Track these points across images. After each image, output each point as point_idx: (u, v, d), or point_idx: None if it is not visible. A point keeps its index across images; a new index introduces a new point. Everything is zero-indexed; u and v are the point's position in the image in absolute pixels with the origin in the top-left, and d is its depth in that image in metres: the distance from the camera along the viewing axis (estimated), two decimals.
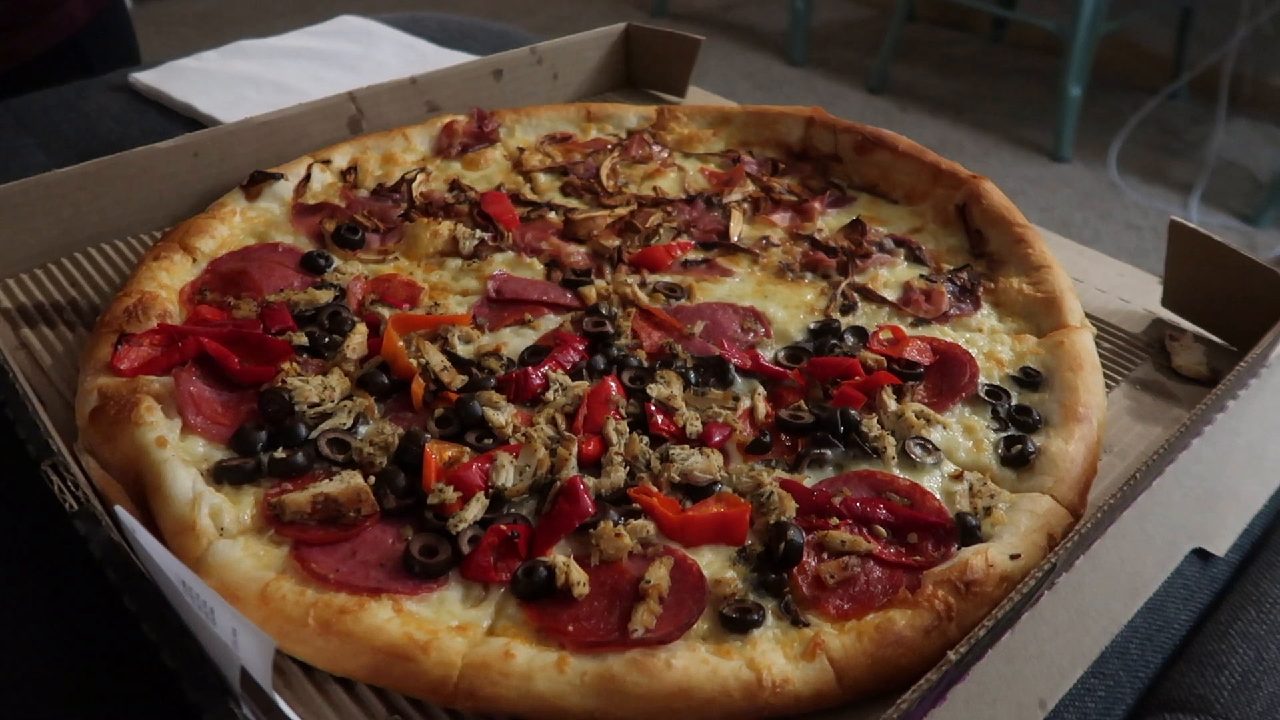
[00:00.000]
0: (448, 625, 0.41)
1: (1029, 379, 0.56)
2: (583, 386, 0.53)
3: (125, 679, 0.39)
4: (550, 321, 0.60)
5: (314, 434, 0.49)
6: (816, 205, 0.73)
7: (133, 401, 0.49)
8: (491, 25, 1.18)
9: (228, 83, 0.96)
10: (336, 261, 0.64)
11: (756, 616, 0.41)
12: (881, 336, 0.59)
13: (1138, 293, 0.68)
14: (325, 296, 0.60)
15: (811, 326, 0.60)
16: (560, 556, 0.43)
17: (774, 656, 0.39)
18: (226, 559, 0.42)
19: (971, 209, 0.70)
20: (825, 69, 3.13)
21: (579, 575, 0.42)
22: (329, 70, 1.00)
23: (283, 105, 0.90)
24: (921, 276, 0.66)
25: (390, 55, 1.04)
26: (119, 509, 0.37)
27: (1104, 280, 0.70)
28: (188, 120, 0.91)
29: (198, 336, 0.53)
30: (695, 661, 0.39)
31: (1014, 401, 0.55)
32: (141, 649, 0.38)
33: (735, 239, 0.69)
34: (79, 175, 0.65)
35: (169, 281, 0.59)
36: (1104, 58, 2.71)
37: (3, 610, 0.42)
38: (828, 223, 0.72)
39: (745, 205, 0.73)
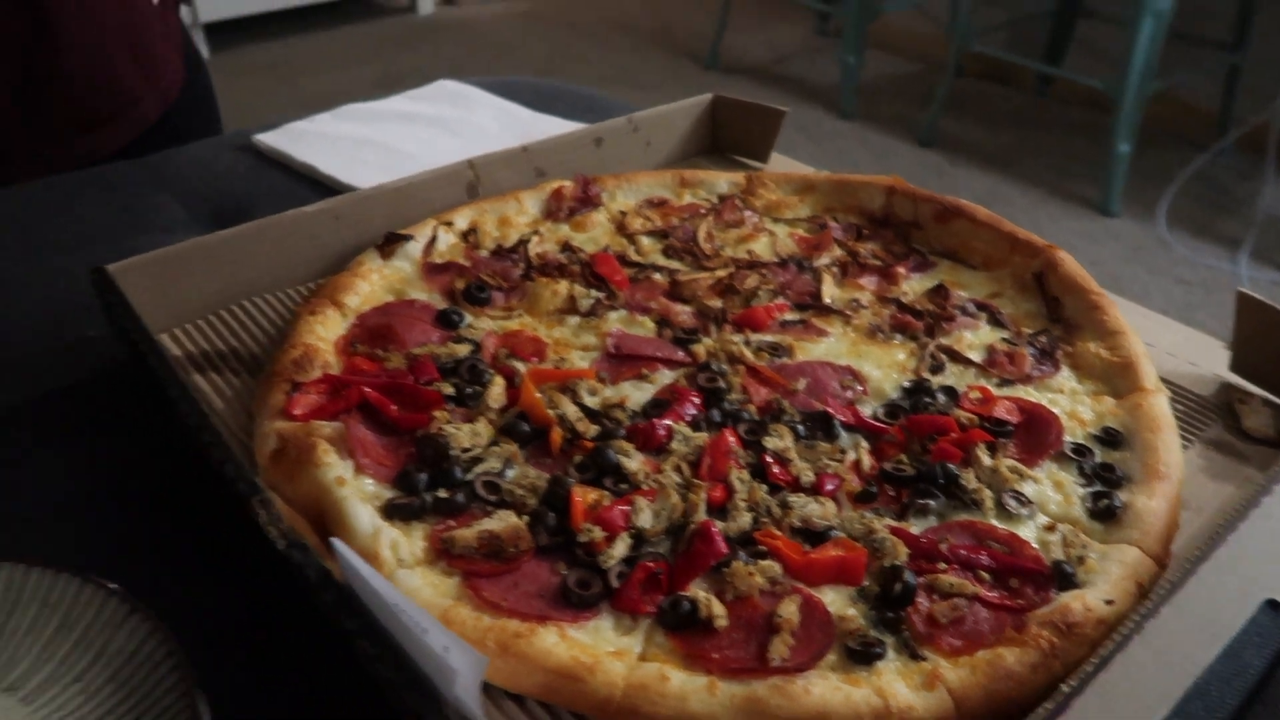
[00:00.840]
0: (606, 650, 0.46)
1: (1110, 438, 0.61)
2: (702, 438, 0.59)
3: (335, 690, 0.45)
4: (665, 376, 0.66)
5: (469, 476, 0.55)
6: (901, 270, 0.79)
7: (310, 444, 0.55)
8: (579, 90, 1.26)
9: (342, 145, 1.03)
10: (468, 317, 0.71)
11: (879, 650, 0.46)
12: (971, 396, 0.64)
13: (1204, 356, 0.73)
14: (463, 350, 0.66)
15: (905, 385, 0.65)
16: (699, 592, 0.49)
17: (898, 686, 0.44)
18: (409, 586, 0.48)
19: (1048, 276, 0.76)
20: (875, 122, 3.19)
21: (719, 609, 0.47)
22: (432, 133, 1.08)
23: (393, 166, 0.98)
24: (1003, 339, 0.71)
25: (488, 119, 1.11)
26: (335, 540, 0.43)
27: (1172, 344, 0.74)
28: (310, 180, 0.98)
29: (359, 386, 0.60)
30: (829, 688, 0.44)
31: (1098, 459, 0.60)
32: (345, 667, 0.44)
33: (828, 301, 0.75)
34: (238, 236, 0.73)
35: (325, 334, 0.66)
36: (1152, 114, 2.76)
37: (223, 625, 0.48)
38: (911, 286, 0.78)
39: (834, 269, 0.79)
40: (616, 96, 1.28)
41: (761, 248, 0.82)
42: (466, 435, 0.58)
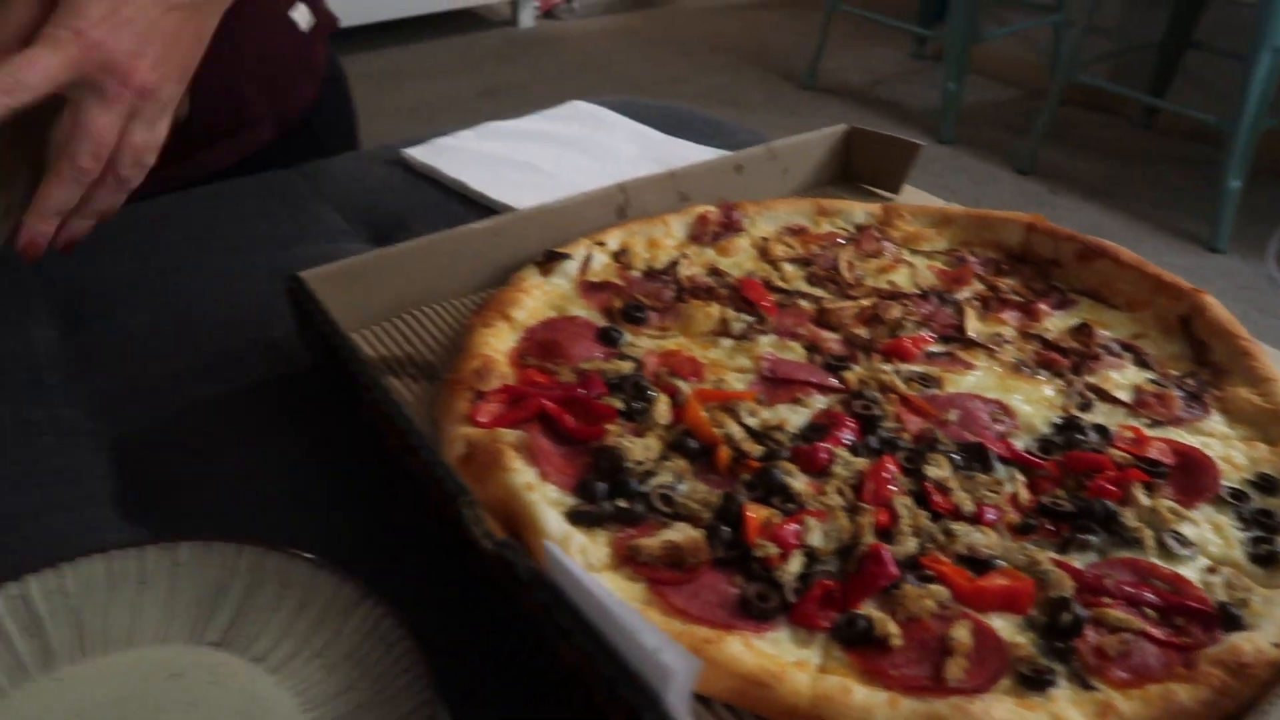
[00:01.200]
0: (788, 660, 0.49)
1: (1267, 484, 0.62)
2: (862, 463, 0.62)
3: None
4: (818, 401, 0.69)
5: (645, 488, 0.59)
6: (1043, 307, 0.80)
7: (498, 450, 0.59)
8: (704, 114, 1.29)
9: (487, 162, 1.08)
10: (627, 335, 0.74)
11: (1051, 677, 0.48)
12: (1124, 435, 0.66)
13: None
14: (626, 367, 0.69)
15: (1056, 421, 0.67)
16: (874, 610, 0.51)
17: (1073, 713, 0.46)
18: None
19: (1194, 321, 0.76)
20: (974, 148, 3.18)
21: (894, 628, 0.50)
22: (570, 153, 1.12)
23: (536, 185, 1.03)
24: (1150, 381, 0.72)
25: (623, 141, 1.15)
26: (546, 542, 0.47)
27: None
28: (459, 195, 1.03)
29: (537, 398, 0.64)
30: (1008, 711, 0.46)
31: (1255, 504, 0.60)
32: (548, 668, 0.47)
33: (972, 334, 0.77)
34: (414, 250, 0.77)
35: (498, 346, 0.70)
36: (1264, 149, 2.70)
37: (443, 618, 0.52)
38: (1053, 324, 0.79)
39: (975, 303, 0.81)
40: (716, 115, 1.31)
41: (902, 279, 0.84)
42: (640, 449, 0.61)
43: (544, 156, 1.10)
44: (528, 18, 4.33)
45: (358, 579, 0.48)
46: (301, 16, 1.13)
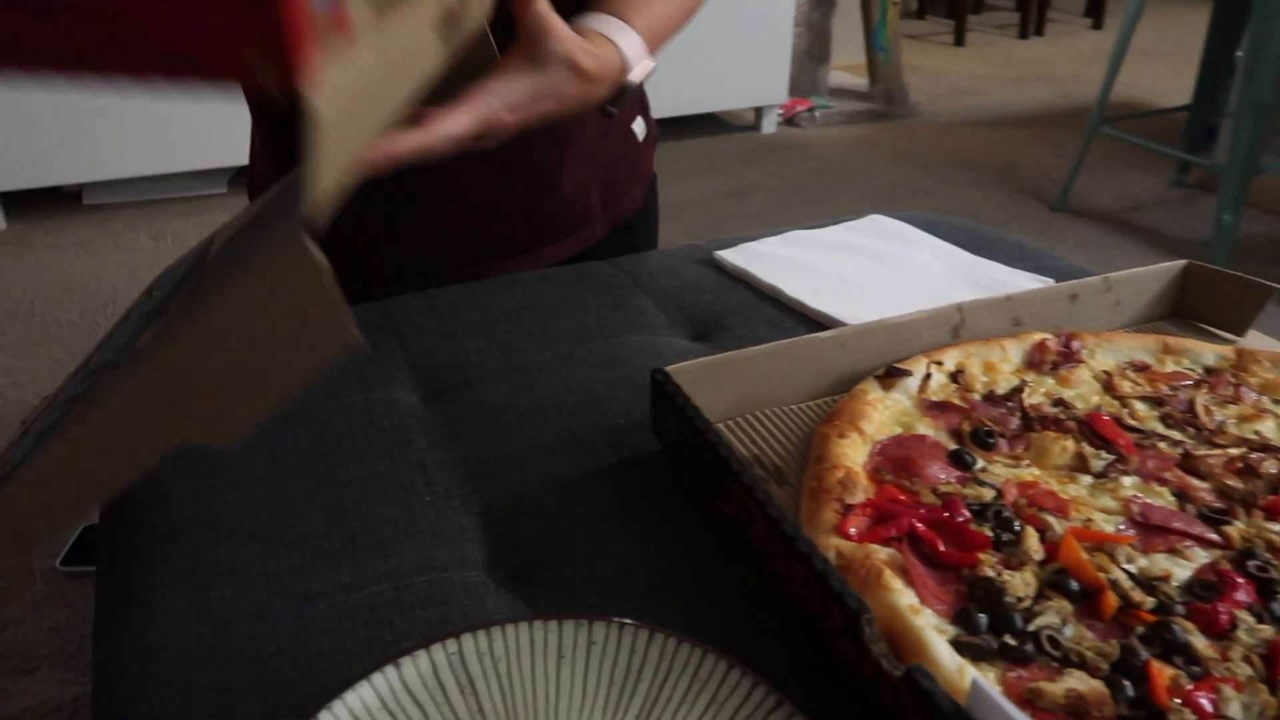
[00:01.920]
0: None
1: None
2: (1268, 631, 0.57)
3: None
4: (1198, 555, 0.64)
5: (1030, 627, 0.56)
6: None
7: (875, 568, 0.59)
8: (1006, 238, 1.27)
9: (798, 269, 1.10)
10: (980, 460, 0.73)
11: None
12: None
13: None
14: (987, 494, 0.68)
15: None
16: None
17: None
18: None
19: None
20: None
21: None
22: (878, 267, 1.13)
23: (852, 296, 1.04)
24: None
25: (930, 258, 1.15)
26: (974, 675, 0.45)
27: None
28: (772, 300, 1.06)
29: (906, 516, 0.63)
30: None
31: None
32: None
33: None
34: (761, 354, 0.79)
35: (855, 459, 0.70)
36: None
37: None
38: None
39: None
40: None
41: (1269, 430, 0.79)
42: (1019, 584, 0.59)
43: (855, 269, 1.12)
44: (770, 124, 4.45)
45: (769, 683, 0.48)
46: (639, 128, 1.21)
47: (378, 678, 0.47)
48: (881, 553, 0.61)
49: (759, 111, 4.43)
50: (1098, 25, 6.78)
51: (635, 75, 0.86)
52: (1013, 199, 3.65)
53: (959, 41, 6.32)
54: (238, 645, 0.60)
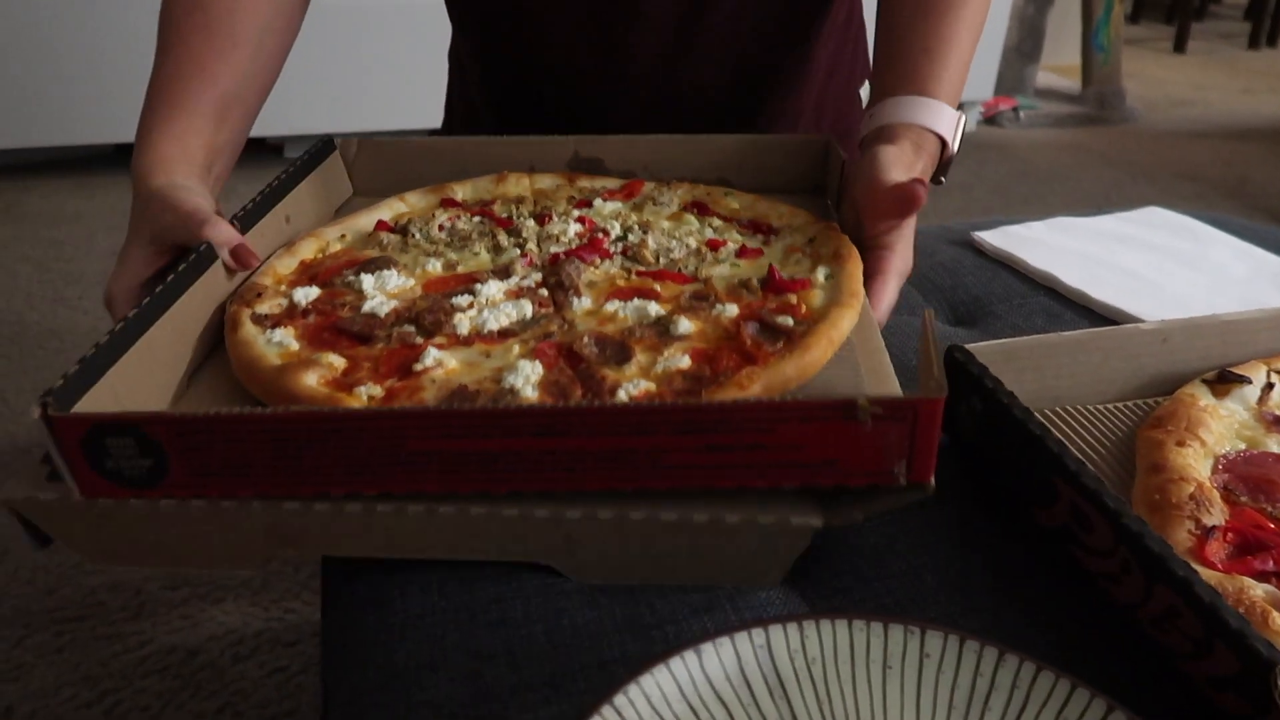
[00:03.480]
0: None
1: None
2: None
3: None
4: None
5: None
6: None
7: (1257, 606, 0.47)
8: None
9: (1070, 257, 0.98)
10: None
11: None
12: None
13: None
14: None
15: None
16: None
17: None
18: None
19: None
20: None
21: None
22: (1164, 261, 0.99)
23: (1140, 292, 0.91)
24: None
25: (1228, 257, 1.00)
26: None
27: None
28: (1045, 288, 0.94)
29: None
30: None
31: None
32: None
33: None
34: (1066, 341, 0.68)
35: (1200, 472, 0.58)
36: None
37: None
38: None
39: None
40: None
41: None
42: None
43: (1138, 262, 0.98)
44: (969, 121, 4.22)
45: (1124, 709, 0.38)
46: (866, 92, 1.11)
47: (677, 664, 0.40)
48: (1257, 588, 0.49)
49: (959, 107, 4.21)
50: None
51: (955, 145, 0.79)
52: (1247, 217, 3.32)
53: (1179, 48, 5.85)
54: (483, 606, 0.54)
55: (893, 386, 0.59)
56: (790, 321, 0.62)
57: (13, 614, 1.43)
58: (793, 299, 0.65)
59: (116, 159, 3.18)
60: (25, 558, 1.54)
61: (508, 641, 0.51)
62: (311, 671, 1.37)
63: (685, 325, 0.62)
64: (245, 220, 0.71)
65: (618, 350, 0.60)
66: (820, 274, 0.68)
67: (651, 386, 0.56)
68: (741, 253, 0.74)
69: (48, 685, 1.30)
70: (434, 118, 1.20)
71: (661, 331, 0.62)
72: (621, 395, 0.55)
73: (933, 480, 0.48)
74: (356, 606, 0.56)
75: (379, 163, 0.93)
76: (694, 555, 0.51)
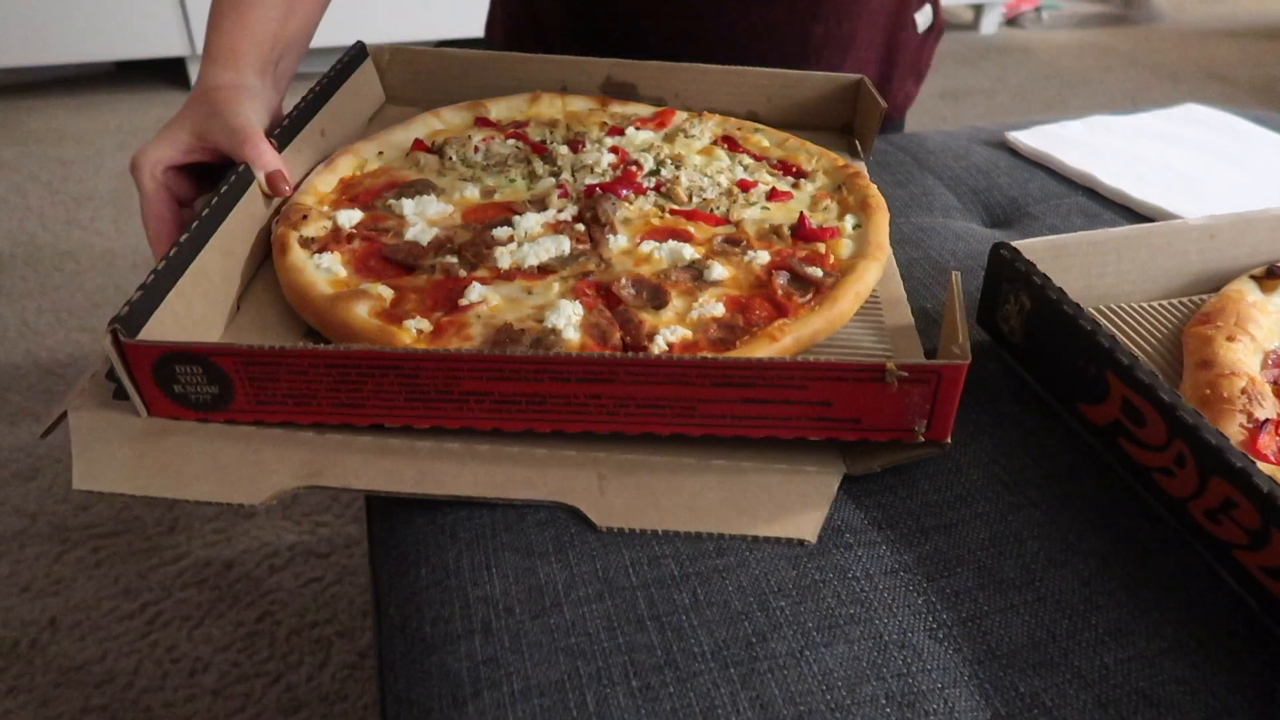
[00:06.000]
0: None
1: None
2: None
3: None
4: None
5: None
6: None
7: None
8: None
9: (1109, 156, 0.96)
10: None
11: None
12: None
13: None
14: None
15: None
16: None
17: None
18: None
19: None
20: None
21: None
22: (1212, 160, 0.96)
23: (1185, 190, 0.88)
24: None
25: (1274, 156, 0.98)
26: None
27: None
28: (1082, 188, 0.92)
29: None
30: None
31: None
32: None
33: None
34: (1115, 238, 0.67)
35: (1252, 366, 0.58)
36: None
37: None
38: None
39: None
40: None
41: None
42: None
43: (1179, 159, 0.96)
44: (991, 23, 4.10)
45: None
46: (924, 18, 1.07)
47: None
48: None
49: (978, 9, 4.08)
50: None
51: None
52: (1272, 117, 3.23)
53: None
54: (530, 508, 0.54)
55: (913, 340, 0.61)
56: (819, 273, 0.63)
57: (50, 530, 1.46)
58: (821, 248, 0.67)
59: (118, 77, 3.13)
60: (58, 476, 1.56)
61: (558, 540, 0.51)
62: (346, 581, 1.40)
63: (719, 270, 0.63)
64: (282, 136, 0.70)
65: (654, 294, 0.61)
66: (848, 223, 0.70)
67: (688, 334, 0.58)
68: (772, 195, 0.74)
69: (88, 598, 1.33)
70: (464, 29, 1.16)
71: (695, 276, 0.63)
72: (660, 341, 0.57)
73: (949, 438, 0.52)
74: (405, 511, 0.57)
75: (410, 72, 0.91)
76: (724, 503, 0.52)
